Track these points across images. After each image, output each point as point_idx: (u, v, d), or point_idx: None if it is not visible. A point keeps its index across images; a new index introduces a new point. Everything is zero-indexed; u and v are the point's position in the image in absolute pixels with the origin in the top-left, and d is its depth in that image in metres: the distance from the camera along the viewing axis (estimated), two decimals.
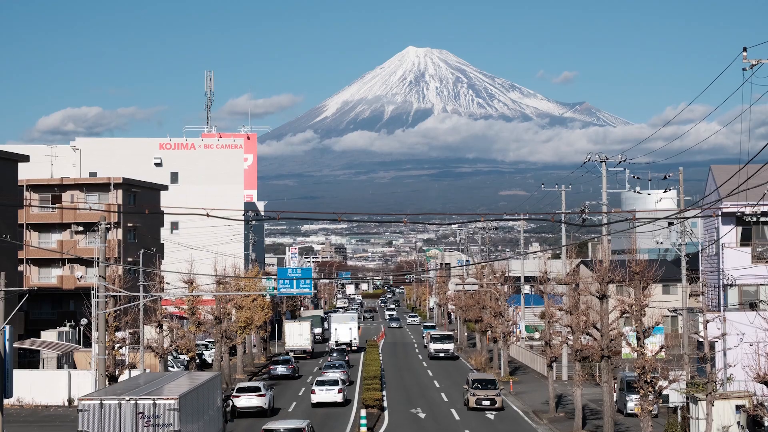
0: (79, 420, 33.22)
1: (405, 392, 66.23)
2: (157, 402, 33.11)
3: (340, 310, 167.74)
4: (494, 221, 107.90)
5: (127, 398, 33.28)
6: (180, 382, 38.41)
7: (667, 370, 41.41)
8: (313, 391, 59.32)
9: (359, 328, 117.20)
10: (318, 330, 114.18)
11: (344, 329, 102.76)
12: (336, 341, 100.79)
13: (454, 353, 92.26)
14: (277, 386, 68.04)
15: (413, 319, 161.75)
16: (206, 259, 73.42)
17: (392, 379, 73.91)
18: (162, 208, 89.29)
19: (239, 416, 52.87)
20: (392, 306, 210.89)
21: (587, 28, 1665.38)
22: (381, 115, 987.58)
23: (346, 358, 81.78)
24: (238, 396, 54.91)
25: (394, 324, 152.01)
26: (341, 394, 59.29)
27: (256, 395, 55.21)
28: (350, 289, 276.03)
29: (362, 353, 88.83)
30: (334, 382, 60.44)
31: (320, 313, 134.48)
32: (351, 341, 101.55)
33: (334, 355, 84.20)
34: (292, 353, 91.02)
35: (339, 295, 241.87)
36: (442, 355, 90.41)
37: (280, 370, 75.59)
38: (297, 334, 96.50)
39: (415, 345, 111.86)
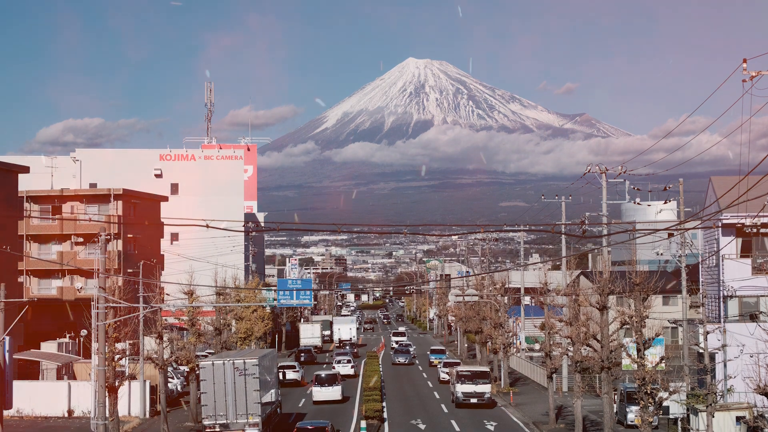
0: (200, 373, 49.57)
1: (405, 403, 66.11)
2: (246, 361, 49.16)
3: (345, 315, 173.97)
4: (494, 232, 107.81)
5: (228, 359, 49.41)
6: (255, 352, 55.94)
7: (668, 381, 41.39)
8: (333, 367, 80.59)
9: (358, 329, 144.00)
10: (327, 332, 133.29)
11: (345, 329, 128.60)
12: (339, 338, 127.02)
13: (492, 398, 65.59)
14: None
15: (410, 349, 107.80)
16: (206, 270, 73.38)
17: (392, 392, 73.86)
18: (162, 220, 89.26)
19: (282, 385, 68.58)
20: (401, 329, 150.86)
21: (587, 40, 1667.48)
22: (381, 126, 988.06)
23: (354, 350, 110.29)
24: (280, 371, 72.73)
25: (401, 359, 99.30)
26: (353, 369, 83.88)
27: (293, 371, 78.29)
28: (349, 298, 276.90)
29: (362, 363, 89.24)
30: (348, 361, 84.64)
31: (329, 318, 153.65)
32: (351, 338, 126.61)
33: (346, 348, 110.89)
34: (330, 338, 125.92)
35: (338, 303, 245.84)
36: (474, 401, 63.66)
37: (303, 356, 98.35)
38: (310, 333, 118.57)
39: (423, 371, 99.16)
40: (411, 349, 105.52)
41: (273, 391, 55.19)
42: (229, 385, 48.88)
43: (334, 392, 65.78)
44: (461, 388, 64.27)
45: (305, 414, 60.48)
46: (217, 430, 48.65)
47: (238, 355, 51.94)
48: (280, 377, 71.42)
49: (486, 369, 68.81)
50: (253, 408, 48.80)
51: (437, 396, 71.31)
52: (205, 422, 48.96)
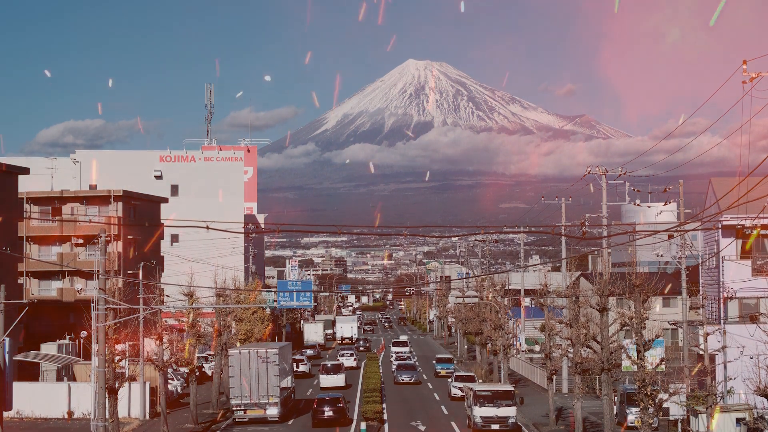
0: (228, 360, 58.79)
1: (405, 405, 66.08)
2: (267, 350, 58.06)
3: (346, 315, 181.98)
4: (494, 234, 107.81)
5: (252, 349, 58.28)
6: (274, 344, 67.33)
7: (668, 382, 41.38)
8: (337, 359, 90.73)
9: (358, 328, 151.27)
10: (329, 331, 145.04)
11: (347, 327, 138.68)
12: (341, 336, 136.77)
13: (517, 422, 54.56)
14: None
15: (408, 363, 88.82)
16: (206, 271, 73.34)
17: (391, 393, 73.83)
18: (162, 221, 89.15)
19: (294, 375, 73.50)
20: (403, 338, 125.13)
21: (588, 40, 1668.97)
22: (381, 127, 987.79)
23: (367, 345, 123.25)
24: (293, 363, 77.77)
25: (405, 377, 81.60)
26: (356, 362, 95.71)
27: (302, 364, 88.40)
28: (350, 299, 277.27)
29: (363, 363, 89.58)
30: (351, 354, 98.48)
31: (331, 317, 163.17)
32: (352, 336, 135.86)
33: (359, 343, 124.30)
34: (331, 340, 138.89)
35: (338, 304, 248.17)
36: (495, 427, 52.94)
37: (310, 352, 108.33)
38: (313, 332, 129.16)
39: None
40: (414, 360, 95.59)
41: (289, 378, 64.07)
42: (253, 370, 57.24)
43: (338, 379, 75.79)
44: (480, 412, 53.33)
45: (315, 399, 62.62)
46: (243, 409, 57.27)
47: (260, 346, 60.59)
48: (294, 368, 78.10)
49: (510, 388, 56.88)
50: (273, 390, 57.29)
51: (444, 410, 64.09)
52: (232, 402, 57.62)
